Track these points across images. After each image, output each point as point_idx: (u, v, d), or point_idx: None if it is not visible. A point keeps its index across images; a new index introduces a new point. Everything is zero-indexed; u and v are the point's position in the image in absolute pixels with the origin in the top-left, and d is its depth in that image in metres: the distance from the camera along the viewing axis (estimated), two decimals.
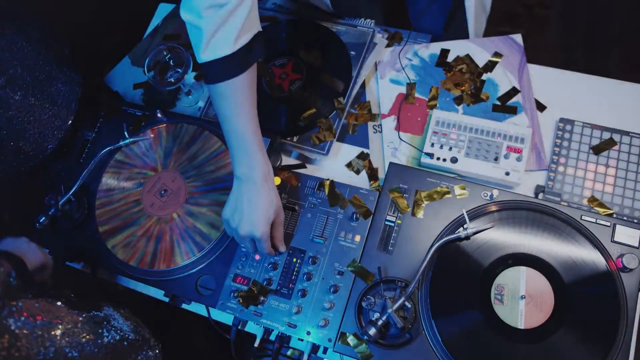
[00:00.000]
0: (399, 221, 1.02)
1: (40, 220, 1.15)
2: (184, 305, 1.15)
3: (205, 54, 0.90)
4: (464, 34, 1.34)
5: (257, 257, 1.05)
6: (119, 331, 0.91)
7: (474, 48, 1.24)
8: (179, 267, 1.07)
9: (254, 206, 0.96)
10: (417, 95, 1.23)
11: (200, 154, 1.16)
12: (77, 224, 1.17)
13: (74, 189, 1.16)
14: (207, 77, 0.94)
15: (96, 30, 1.48)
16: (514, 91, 1.18)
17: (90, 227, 1.16)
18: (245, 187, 0.97)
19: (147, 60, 1.30)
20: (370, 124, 1.24)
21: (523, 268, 0.93)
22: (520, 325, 0.89)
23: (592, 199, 1.05)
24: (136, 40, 1.50)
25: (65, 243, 1.18)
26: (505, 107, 1.17)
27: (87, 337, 0.86)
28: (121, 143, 1.20)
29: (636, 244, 0.92)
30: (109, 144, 1.20)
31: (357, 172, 1.19)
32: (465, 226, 0.96)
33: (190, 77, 1.37)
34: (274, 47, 1.34)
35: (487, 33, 1.36)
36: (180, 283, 1.08)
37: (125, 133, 1.21)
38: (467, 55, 1.24)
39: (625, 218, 1.03)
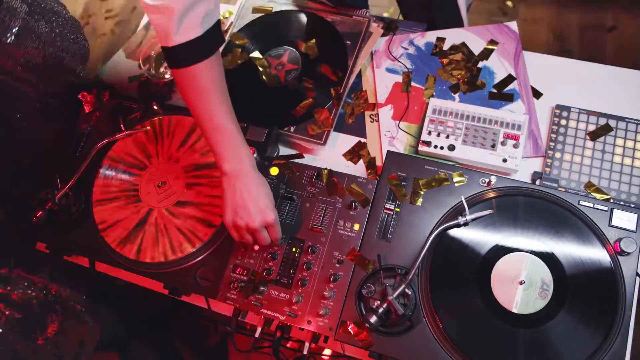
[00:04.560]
0: (397, 209, 1.02)
1: (37, 215, 1.14)
2: (184, 298, 1.15)
3: (178, 36, 0.90)
4: (458, 22, 1.34)
5: (256, 247, 1.05)
6: None
7: (470, 36, 1.24)
8: (178, 259, 1.07)
9: (255, 195, 0.95)
10: (413, 84, 1.23)
11: (205, 154, 1.15)
12: (75, 218, 1.17)
13: (70, 182, 1.15)
14: (179, 60, 0.93)
15: (89, 24, 1.47)
16: (509, 78, 1.18)
17: (88, 220, 1.16)
18: (240, 181, 0.96)
19: (141, 53, 1.29)
20: (367, 113, 1.23)
21: (521, 254, 0.93)
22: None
23: (589, 185, 1.05)
24: (130, 34, 1.49)
25: (63, 237, 1.17)
26: (501, 94, 1.17)
27: None
28: (117, 136, 1.19)
29: (633, 228, 0.92)
30: (105, 137, 1.19)
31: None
32: (463, 213, 0.96)
33: None
34: (269, 37, 1.33)
35: (482, 22, 1.36)
36: (180, 275, 1.08)
37: (122, 126, 1.20)
38: (463, 44, 1.24)
39: (622, 203, 1.03)
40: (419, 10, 1.38)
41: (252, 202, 0.95)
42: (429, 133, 1.14)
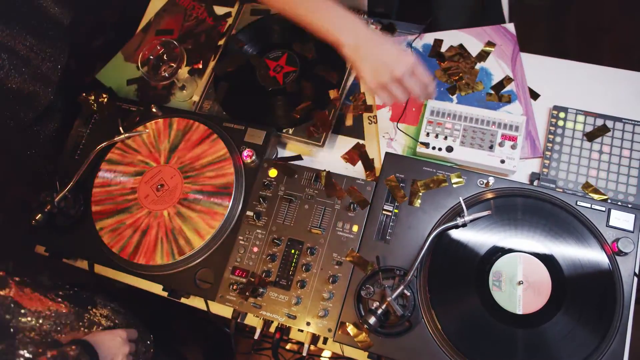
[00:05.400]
0: (396, 210, 1.02)
1: (36, 218, 1.14)
2: (183, 300, 1.15)
3: None
4: (501, 18, 1.34)
5: (255, 249, 1.06)
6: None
7: (467, 38, 1.25)
8: (178, 261, 1.07)
9: (387, 47, 0.96)
10: None
11: (204, 156, 1.15)
12: (74, 221, 1.17)
13: (70, 185, 1.15)
14: None
15: (88, 26, 1.47)
16: (507, 80, 1.19)
17: (87, 223, 1.16)
18: (366, 44, 0.96)
19: (140, 56, 1.29)
20: (365, 115, 1.24)
21: (519, 254, 0.93)
22: (519, 310, 0.90)
23: (587, 185, 1.06)
24: (129, 36, 1.49)
25: (62, 240, 1.18)
26: (499, 95, 1.18)
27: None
28: (116, 139, 1.19)
29: (631, 228, 0.93)
30: (104, 140, 1.19)
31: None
32: (462, 214, 0.96)
33: (184, 71, 1.36)
34: (267, 39, 1.34)
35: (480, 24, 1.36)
36: (179, 277, 1.08)
37: (120, 128, 1.20)
38: (461, 45, 1.24)
39: (619, 203, 1.04)
40: (465, 14, 1.39)
41: (385, 54, 0.96)
42: (427, 134, 1.14)
